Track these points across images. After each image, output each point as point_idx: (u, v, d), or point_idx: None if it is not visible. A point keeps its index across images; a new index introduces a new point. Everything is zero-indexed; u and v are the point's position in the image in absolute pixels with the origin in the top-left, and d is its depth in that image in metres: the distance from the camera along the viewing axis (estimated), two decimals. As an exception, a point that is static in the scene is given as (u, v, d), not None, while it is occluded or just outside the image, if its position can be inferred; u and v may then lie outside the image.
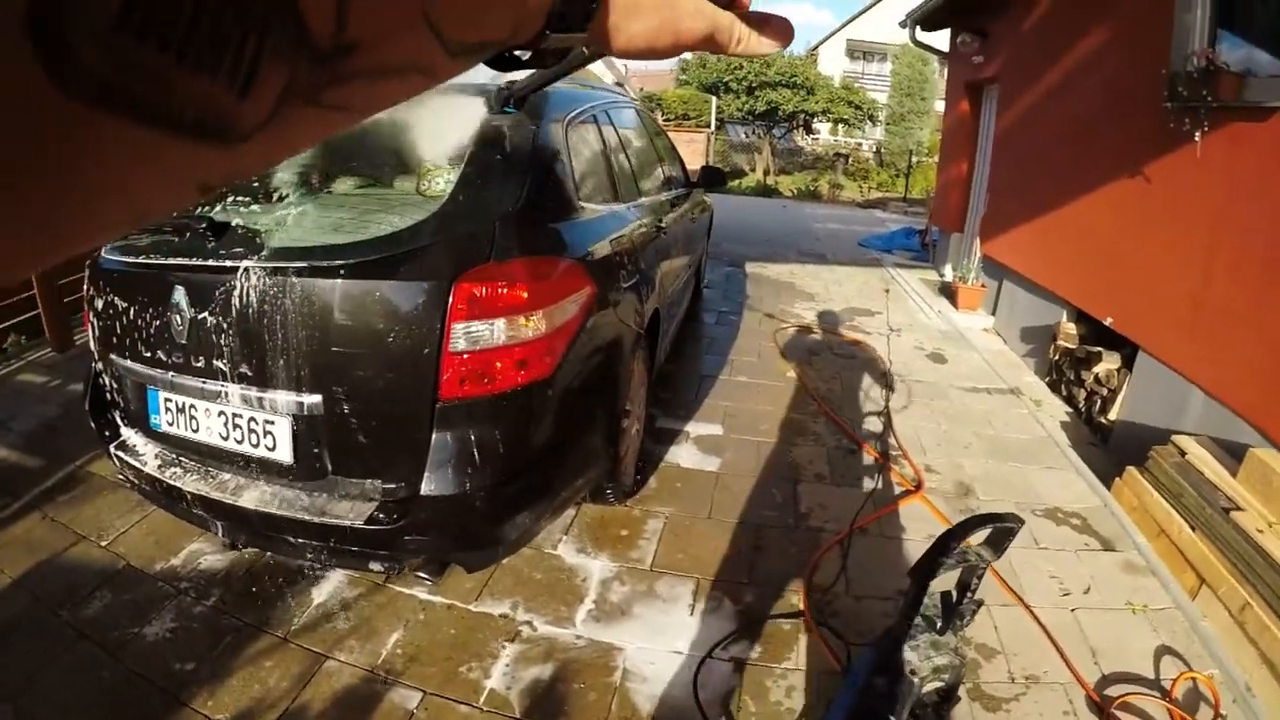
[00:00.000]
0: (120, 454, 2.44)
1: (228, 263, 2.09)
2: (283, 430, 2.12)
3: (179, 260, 2.20)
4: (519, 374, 2.09)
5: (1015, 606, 2.60)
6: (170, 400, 2.29)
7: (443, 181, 2.27)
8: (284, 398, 2.08)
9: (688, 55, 26.62)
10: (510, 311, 2.04)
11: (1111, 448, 4.18)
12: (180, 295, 2.14)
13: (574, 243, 2.41)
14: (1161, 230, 3.99)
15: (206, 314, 2.11)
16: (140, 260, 2.27)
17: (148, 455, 2.41)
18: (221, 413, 2.20)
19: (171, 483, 2.26)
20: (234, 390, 2.13)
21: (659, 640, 2.37)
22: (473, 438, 2.07)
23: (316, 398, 2.05)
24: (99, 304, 2.37)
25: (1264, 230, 3.22)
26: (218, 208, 2.32)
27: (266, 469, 2.20)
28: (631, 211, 3.17)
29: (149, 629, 2.36)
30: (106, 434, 2.54)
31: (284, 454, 2.14)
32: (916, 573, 1.65)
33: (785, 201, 17.80)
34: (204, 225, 2.16)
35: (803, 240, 10.70)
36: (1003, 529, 1.59)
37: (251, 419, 2.17)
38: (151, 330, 2.23)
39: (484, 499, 2.09)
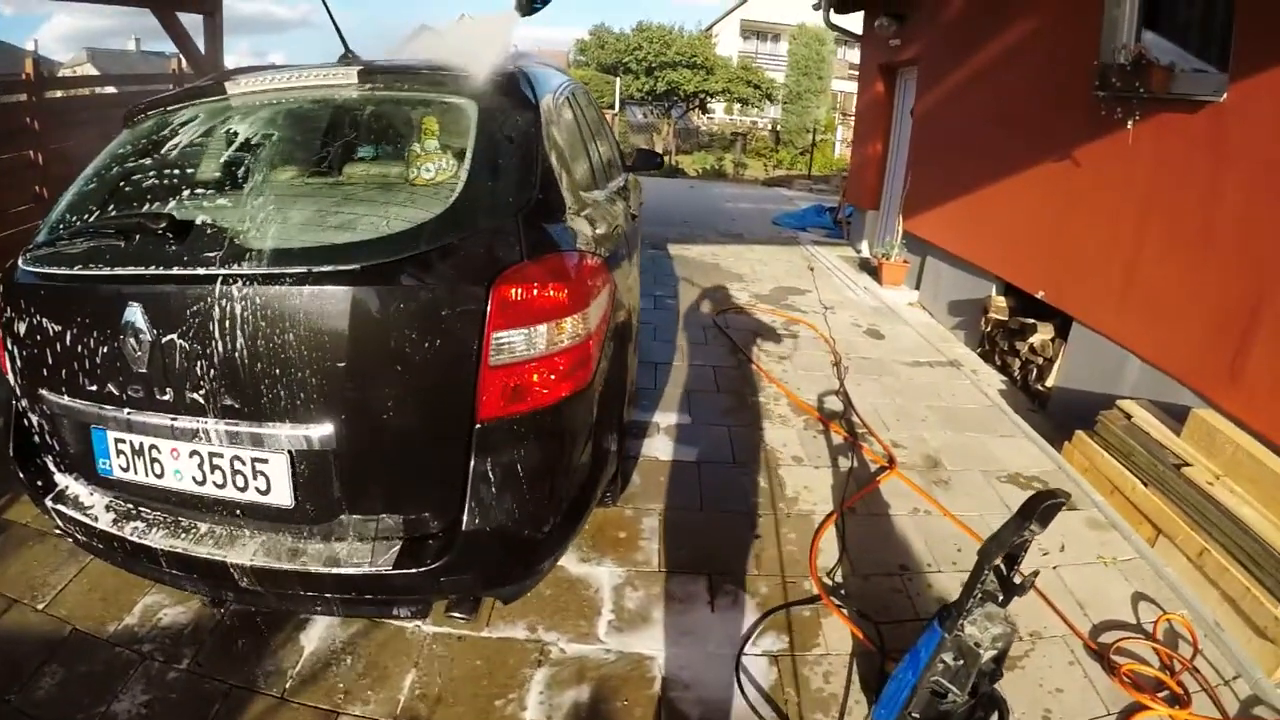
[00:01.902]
0: (60, 508, 2.05)
1: (200, 270, 1.75)
2: (278, 469, 1.81)
3: (131, 270, 1.82)
4: (563, 384, 1.88)
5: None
6: (124, 441, 1.92)
7: (434, 168, 2.04)
8: (286, 432, 1.77)
9: (585, 36, 26.65)
10: (553, 315, 1.82)
11: (1049, 412, 4.39)
12: (136, 314, 1.77)
13: (583, 234, 2.18)
14: (1093, 210, 4.17)
15: (175, 336, 1.76)
16: (77, 271, 1.89)
17: (96, 507, 2.04)
18: (195, 453, 1.85)
19: (137, 540, 1.92)
20: (216, 427, 1.80)
21: (687, 643, 2.30)
22: (518, 461, 1.83)
23: (326, 428, 1.76)
24: (19, 328, 1.95)
25: (1196, 211, 3.41)
26: (173, 201, 1.97)
27: (258, 514, 1.89)
28: (612, 198, 3.02)
29: (119, 705, 2.01)
30: (39, 485, 2.13)
31: (281, 496, 1.83)
32: (986, 554, 1.67)
33: (692, 182, 17.89)
34: (162, 224, 1.80)
35: (718, 220, 10.75)
36: (1054, 505, 1.61)
37: (235, 458, 1.83)
38: (97, 359, 1.85)
39: (532, 527, 1.89)
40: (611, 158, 3.75)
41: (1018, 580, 1.72)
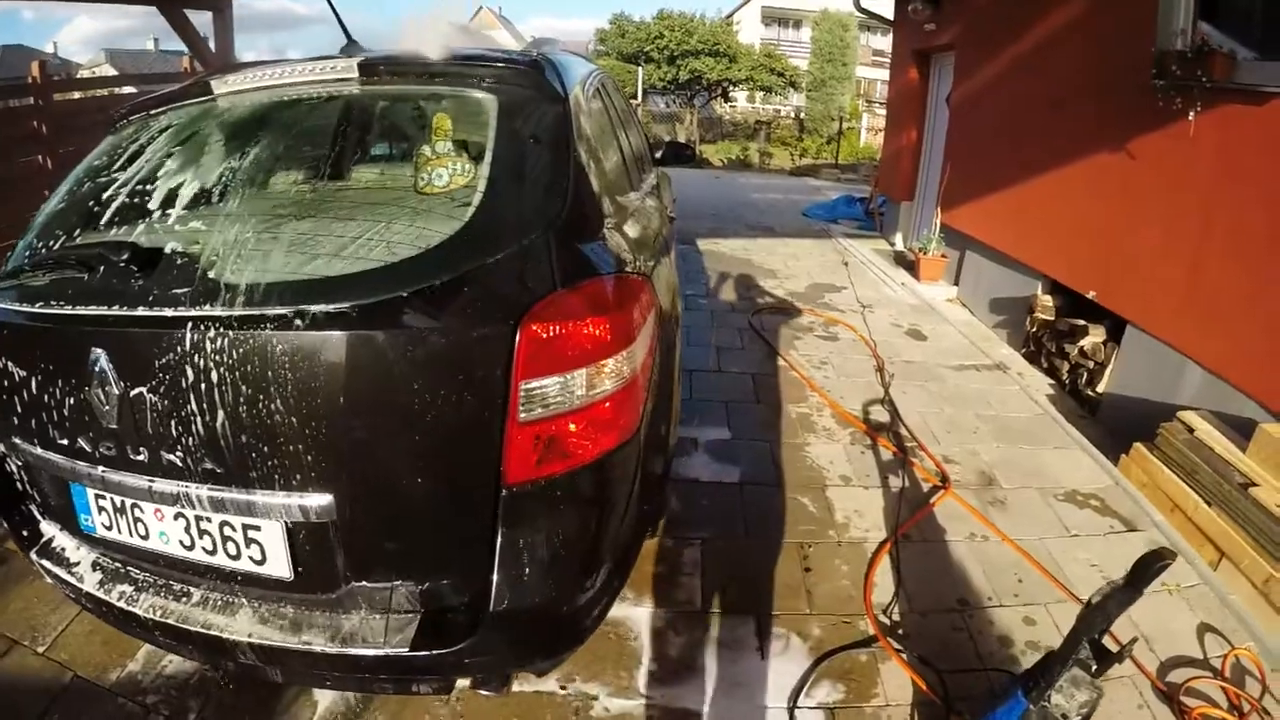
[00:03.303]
0: (45, 564, 1.86)
1: (168, 311, 1.49)
2: (272, 538, 1.58)
3: (94, 309, 1.56)
4: (607, 436, 1.59)
5: (1069, 602, 2.54)
6: (105, 499, 1.70)
7: (447, 174, 1.70)
8: (279, 501, 1.53)
9: (605, 25, 26.45)
10: (595, 356, 1.52)
11: (1100, 420, 4.21)
12: (102, 362, 1.52)
13: (622, 249, 1.84)
14: (1150, 206, 3.96)
15: (144, 389, 1.50)
16: (38, 309, 1.63)
17: (83, 565, 1.83)
18: (180, 515, 1.62)
19: (124, 608, 1.72)
20: (199, 492, 1.56)
21: (737, 696, 2.15)
22: (554, 530, 1.57)
23: (324, 498, 1.51)
24: None
25: (1264, 210, 3.20)
26: (142, 224, 1.71)
27: (256, 583, 1.66)
28: (646, 201, 2.67)
29: (123, 764, 1.86)
30: (24, 535, 1.94)
31: (278, 568, 1.60)
32: (1089, 626, 1.54)
33: (718, 172, 17.68)
34: (124, 255, 1.55)
35: (747, 212, 10.58)
36: (1162, 568, 1.47)
37: (225, 523, 1.59)
38: (65, 410, 1.62)
39: (570, 601, 1.64)
40: (642, 152, 3.44)
41: (1113, 647, 1.58)
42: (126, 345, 1.52)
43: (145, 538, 1.69)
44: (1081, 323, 4.53)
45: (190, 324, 1.47)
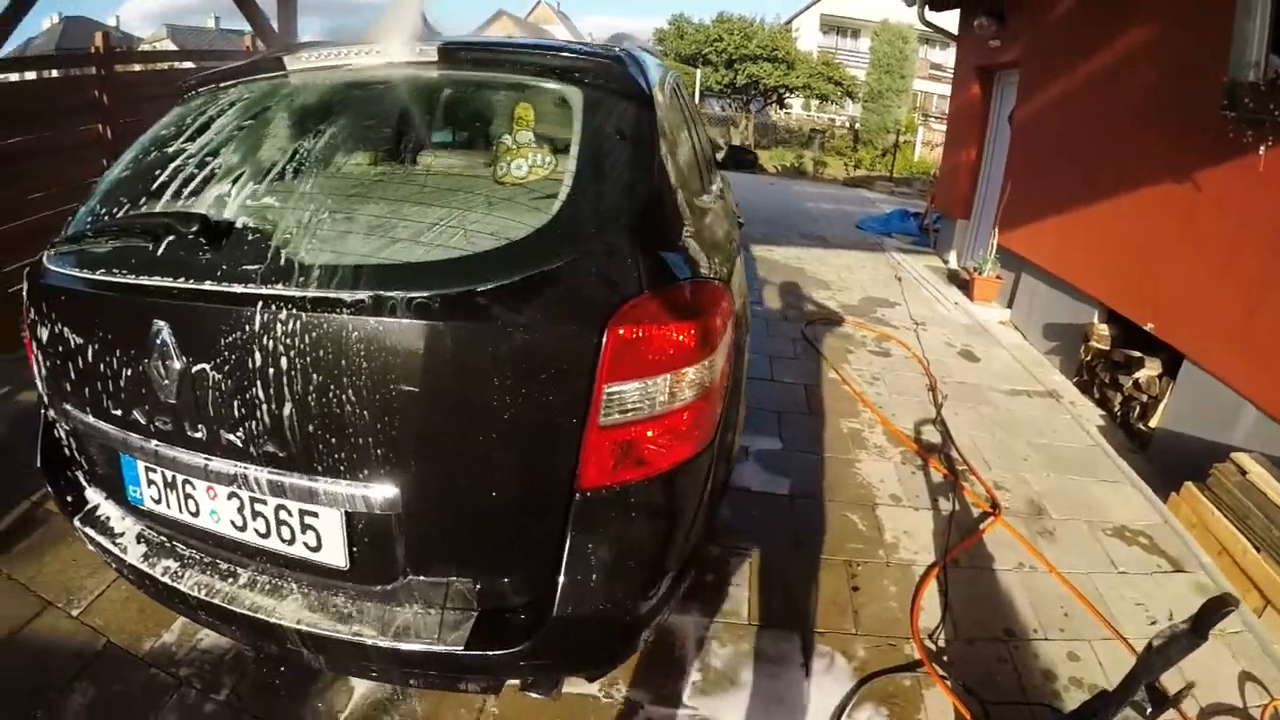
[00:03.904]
0: (89, 531, 1.84)
1: (237, 287, 1.46)
2: (329, 525, 1.55)
3: (158, 280, 1.52)
4: (683, 446, 1.56)
5: (1114, 640, 2.55)
6: (155, 471, 1.67)
7: (526, 165, 1.66)
8: (342, 489, 1.49)
9: (664, 25, 26.47)
10: (678, 363, 1.49)
11: (1150, 455, 4.17)
12: (164, 335, 1.49)
13: (699, 253, 1.77)
14: (1215, 240, 3.91)
15: (207, 366, 1.47)
16: (101, 276, 1.60)
17: (127, 535, 1.81)
18: (234, 495, 1.59)
19: (169, 583, 1.69)
20: (258, 475, 1.53)
21: (779, 714, 2.17)
22: (625, 537, 1.55)
23: (388, 490, 1.48)
24: (43, 333, 1.71)
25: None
26: (212, 196, 1.67)
27: (307, 569, 1.63)
28: (717, 203, 2.58)
29: (150, 737, 1.85)
30: (68, 501, 1.92)
31: (333, 555, 1.57)
32: (1149, 669, 1.58)
33: (772, 178, 17.64)
34: (194, 227, 1.51)
35: (800, 221, 10.58)
36: (1222, 614, 1.51)
37: (281, 507, 1.57)
38: (121, 381, 1.58)
39: (634, 609, 1.60)
40: (709, 155, 3.35)
41: (1170, 691, 1.62)
42: (191, 319, 1.49)
43: (195, 515, 1.66)
44: (1138, 354, 4.48)
45: (260, 303, 1.43)
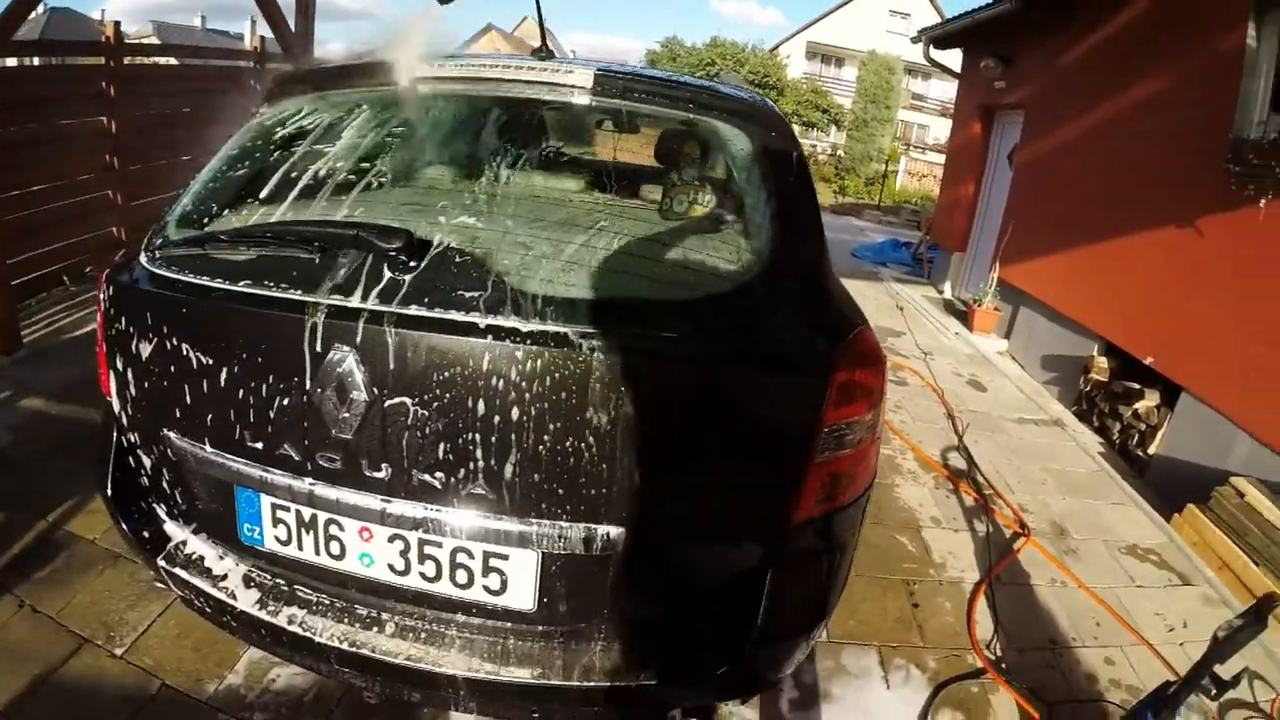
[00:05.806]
0: (178, 573, 1.63)
1: (457, 315, 1.32)
2: (521, 568, 1.45)
3: (342, 301, 1.36)
4: (864, 477, 1.62)
5: (1141, 646, 2.86)
6: (288, 510, 1.51)
7: (687, 201, 1.69)
8: (547, 531, 1.41)
9: (655, 46, 26.75)
10: (874, 400, 1.53)
11: (1148, 480, 4.50)
12: (349, 363, 1.33)
13: (845, 293, 1.81)
14: (1214, 283, 4.25)
15: (409, 400, 1.33)
16: (248, 289, 1.42)
17: (230, 578, 1.62)
18: (398, 538, 1.46)
19: (297, 632, 1.52)
20: (453, 520, 1.41)
21: None
22: (817, 568, 1.59)
23: (601, 529, 1.41)
24: (138, 346, 1.52)
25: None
26: (383, 210, 1.60)
27: (478, 613, 1.52)
28: None
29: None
30: (145, 536, 1.70)
31: (520, 599, 1.47)
32: (1220, 654, 1.84)
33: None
34: (396, 243, 1.37)
35: (796, 249, 10.88)
36: (1276, 604, 1.81)
37: (461, 549, 1.45)
38: (270, 412, 1.42)
39: (807, 637, 1.62)
40: None
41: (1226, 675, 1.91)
42: (386, 348, 1.33)
43: (339, 558, 1.52)
44: (1136, 386, 4.84)
45: (489, 335, 1.31)
